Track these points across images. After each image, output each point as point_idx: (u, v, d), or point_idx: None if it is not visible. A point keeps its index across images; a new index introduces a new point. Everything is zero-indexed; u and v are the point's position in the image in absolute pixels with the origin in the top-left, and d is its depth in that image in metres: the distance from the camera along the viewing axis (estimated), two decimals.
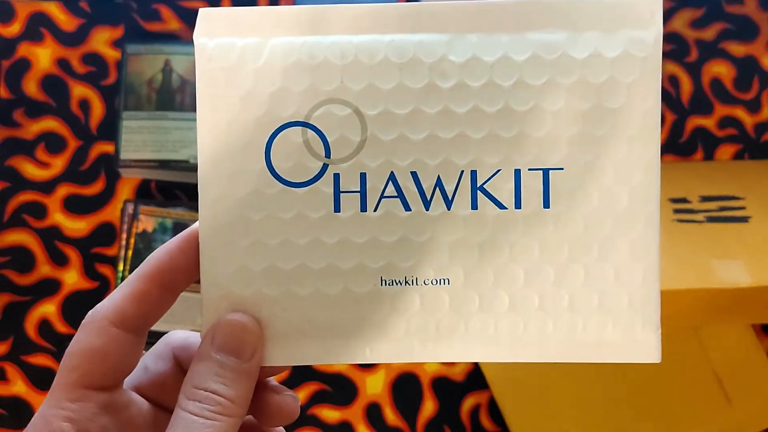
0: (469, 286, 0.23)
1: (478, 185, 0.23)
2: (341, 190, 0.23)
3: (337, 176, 0.23)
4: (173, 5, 0.62)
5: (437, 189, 0.23)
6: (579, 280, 0.23)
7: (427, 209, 0.23)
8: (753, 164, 0.62)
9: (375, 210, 0.23)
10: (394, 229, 0.23)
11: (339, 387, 0.58)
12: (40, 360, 0.57)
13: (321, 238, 0.23)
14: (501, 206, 0.23)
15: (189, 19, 0.61)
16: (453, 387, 0.58)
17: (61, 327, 0.57)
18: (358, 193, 0.23)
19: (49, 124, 0.60)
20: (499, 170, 0.23)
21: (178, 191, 0.60)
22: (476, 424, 0.57)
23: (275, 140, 0.23)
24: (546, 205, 0.23)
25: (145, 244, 0.56)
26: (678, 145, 0.61)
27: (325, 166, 0.23)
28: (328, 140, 0.23)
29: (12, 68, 0.61)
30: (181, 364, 0.25)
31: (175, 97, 0.57)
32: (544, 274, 0.23)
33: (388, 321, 0.23)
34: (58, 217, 0.59)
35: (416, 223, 0.23)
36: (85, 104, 0.60)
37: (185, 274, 0.23)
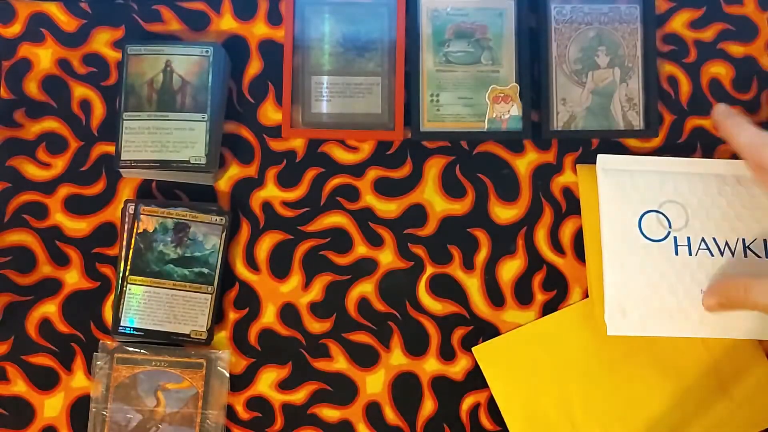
0: None
1: None
2: (677, 244, 0.55)
3: (675, 238, 0.55)
4: (174, 6, 0.62)
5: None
6: None
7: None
8: None
9: (695, 254, 0.55)
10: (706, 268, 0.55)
11: (339, 386, 0.58)
12: (40, 360, 0.57)
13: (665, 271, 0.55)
14: None
15: (189, 20, 0.62)
16: (453, 386, 0.58)
17: (61, 327, 0.57)
18: (687, 247, 0.55)
19: (50, 124, 0.60)
20: None
21: (178, 191, 0.60)
22: (476, 423, 0.58)
23: (644, 218, 0.55)
24: None
25: (146, 244, 0.56)
26: (677, 145, 0.61)
27: (668, 233, 0.55)
28: (669, 219, 0.55)
29: (12, 69, 0.61)
30: None
31: (176, 98, 0.57)
32: None
33: None
34: (58, 217, 0.59)
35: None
36: (85, 105, 0.61)
37: None
